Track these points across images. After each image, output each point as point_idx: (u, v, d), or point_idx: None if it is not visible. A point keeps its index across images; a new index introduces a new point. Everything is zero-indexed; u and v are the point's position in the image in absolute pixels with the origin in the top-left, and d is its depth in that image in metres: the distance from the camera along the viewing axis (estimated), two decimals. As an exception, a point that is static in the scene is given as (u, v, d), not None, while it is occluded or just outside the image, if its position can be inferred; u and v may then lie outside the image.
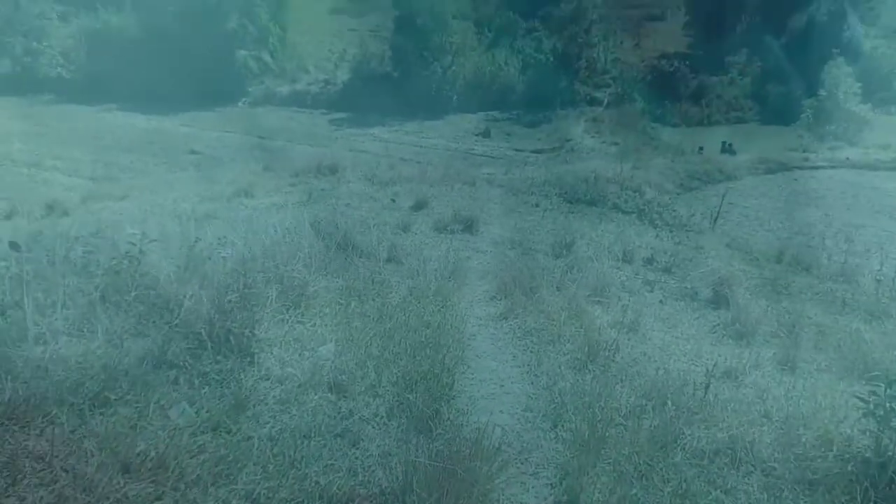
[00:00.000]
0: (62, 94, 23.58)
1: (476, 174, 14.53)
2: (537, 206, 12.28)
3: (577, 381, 5.40)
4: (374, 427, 4.34)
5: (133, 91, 22.86)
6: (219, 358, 4.79)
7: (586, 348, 6.17)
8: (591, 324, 6.88)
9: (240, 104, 23.89)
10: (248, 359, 4.82)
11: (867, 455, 4.65)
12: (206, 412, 4.12)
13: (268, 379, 4.68)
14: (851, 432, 5.04)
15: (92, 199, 11.72)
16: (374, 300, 6.53)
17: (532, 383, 5.40)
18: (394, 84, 24.19)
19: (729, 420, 5.00)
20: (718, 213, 12.54)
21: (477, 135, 22.05)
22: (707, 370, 5.51)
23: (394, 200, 11.60)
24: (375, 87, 23.98)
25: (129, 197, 12.05)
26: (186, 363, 4.61)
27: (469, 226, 10.45)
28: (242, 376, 4.61)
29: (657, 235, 11.31)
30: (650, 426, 4.70)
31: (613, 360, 6.06)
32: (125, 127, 21.52)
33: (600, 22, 27.07)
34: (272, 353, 4.99)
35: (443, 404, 4.63)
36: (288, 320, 5.57)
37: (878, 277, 9.14)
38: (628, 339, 6.73)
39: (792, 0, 25.88)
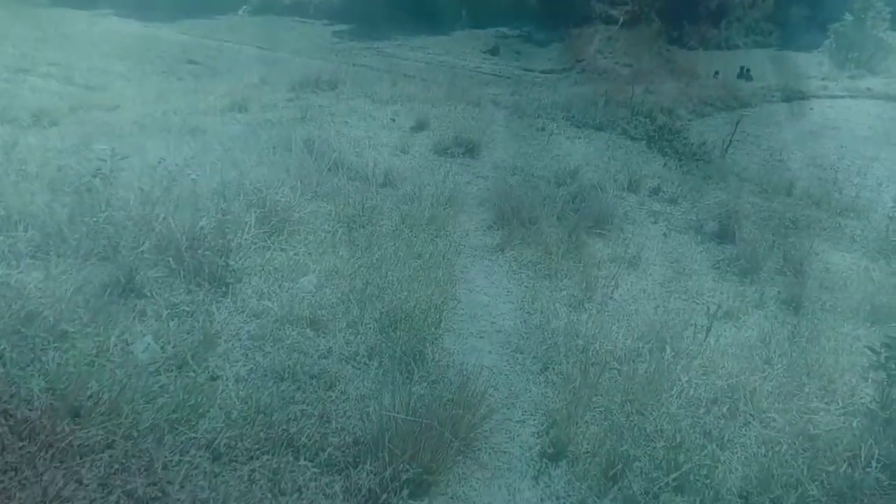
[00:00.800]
0: (55, -4, 22.47)
1: (481, 94, 13.81)
2: (543, 129, 11.66)
3: (572, 319, 5.07)
4: (353, 367, 4.03)
5: (129, -5, 21.76)
6: (191, 288, 4.44)
7: (584, 284, 5.82)
8: (590, 258, 6.51)
9: (240, 12, 22.77)
10: (223, 289, 4.47)
11: (872, 408, 4.37)
12: (172, 348, 3.80)
13: (242, 312, 4.34)
14: (856, 382, 4.75)
15: (82, 108, 11.11)
16: (364, 227, 6.13)
17: (524, 321, 5.06)
18: (400, -5, 22.94)
19: (729, 366, 4.69)
20: (730, 142, 11.93)
21: (485, 52, 21.06)
22: (708, 311, 5.18)
23: (394, 120, 11.00)
24: (381, -2, 22.78)
25: (121, 107, 11.45)
26: (154, 293, 4.26)
27: (471, 149, 9.90)
28: (215, 309, 4.27)
29: (665, 164, 10.76)
30: (646, 371, 4.39)
31: (611, 298, 5.73)
32: (121, 33, 20.51)
33: (619, -66, 25.35)
34: (249, 284, 4.63)
35: (428, 344, 4.30)
36: (269, 248, 5.19)
37: (890, 214, 8.70)
38: (628, 275, 6.38)
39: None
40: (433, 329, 4.48)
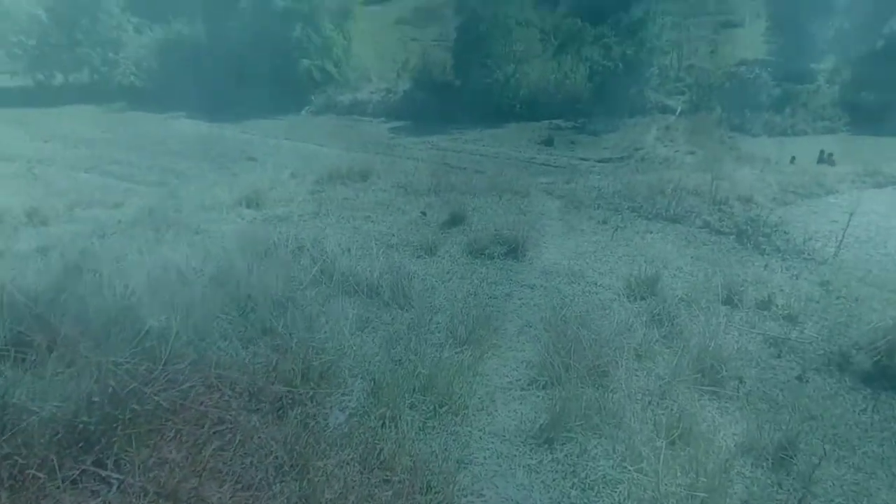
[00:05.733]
0: (134, 101, 21.45)
1: (532, 183, 10.88)
2: (605, 222, 8.50)
3: None
4: None
5: (200, 99, 20.49)
6: None
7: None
8: (705, 464, 3.23)
9: (302, 113, 21.09)
10: None
11: None
12: None
13: None
14: None
15: (79, 205, 8.89)
16: (302, 406, 3.11)
17: None
18: (455, 93, 20.83)
19: None
20: (843, 237, 8.42)
21: (539, 143, 18.38)
22: None
23: (424, 213, 8.15)
24: (437, 95, 20.74)
25: (125, 204, 9.19)
26: None
27: (514, 248, 6.86)
28: None
29: (766, 265, 7.32)
30: None
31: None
32: (189, 134, 19.12)
33: (673, 28, 22.72)
34: None
35: None
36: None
37: None
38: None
39: (884, 2, 20.85)
40: None
